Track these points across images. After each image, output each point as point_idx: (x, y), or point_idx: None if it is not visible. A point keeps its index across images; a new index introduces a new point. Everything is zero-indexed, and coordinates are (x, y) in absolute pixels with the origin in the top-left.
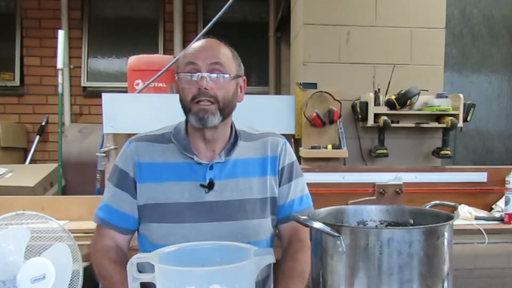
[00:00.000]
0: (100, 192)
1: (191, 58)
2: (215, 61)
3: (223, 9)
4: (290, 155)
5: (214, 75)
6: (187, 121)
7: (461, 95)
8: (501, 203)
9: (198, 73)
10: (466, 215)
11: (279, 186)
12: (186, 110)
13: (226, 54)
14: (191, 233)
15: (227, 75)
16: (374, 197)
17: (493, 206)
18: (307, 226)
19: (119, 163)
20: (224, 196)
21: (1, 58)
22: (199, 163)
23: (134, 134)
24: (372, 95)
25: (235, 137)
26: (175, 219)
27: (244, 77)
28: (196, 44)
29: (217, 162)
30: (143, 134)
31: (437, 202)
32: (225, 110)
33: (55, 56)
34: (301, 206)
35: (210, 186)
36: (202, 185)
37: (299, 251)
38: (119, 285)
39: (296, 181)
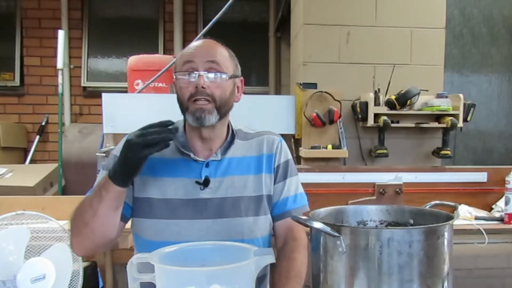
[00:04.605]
0: None
1: (188, 57)
2: (212, 60)
3: (223, 9)
4: (285, 153)
5: (211, 75)
6: (185, 120)
7: (461, 95)
8: (501, 203)
9: (196, 72)
10: (466, 215)
11: (274, 183)
12: (184, 109)
13: (223, 53)
14: (185, 230)
15: (224, 75)
16: (374, 197)
17: (493, 206)
18: (307, 226)
19: (117, 153)
20: (219, 193)
21: (1, 58)
22: (196, 160)
23: None
24: (372, 95)
25: (231, 136)
26: (170, 215)
27: (242, 78)
28: (193, 44)
29: (213, 160)
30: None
31: (437, 202)
32: (222, 109)
33: (55, 56)
34: (295, 204)
35: (206, 183)
36: (197, 182)
37: (294, 251)
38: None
39: (291, 179)
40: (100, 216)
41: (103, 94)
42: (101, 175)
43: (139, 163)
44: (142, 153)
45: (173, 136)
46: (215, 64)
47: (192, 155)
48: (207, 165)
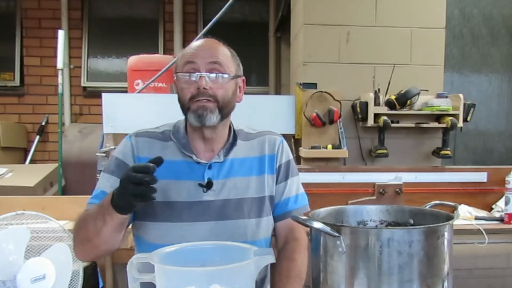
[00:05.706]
0: None
1: (190, 57)
2: (214, 60)
3: (223, 9)
4: (287, 153)
5: (213, 75)
6: (186, 120)
7: (461, 95)
8: (501, 203)
9: (197, 73)
10: (466, 215)
11: (276, 184)
12: (185, 109)
13: (225, 53)
14: (189, 233)
15: (226, 75)
16: (374, 197)
17: (493, 206)
18: (307, 226)
19: (118, 155)
20: (222, 195)
21: (1, 58)
22: (198, 162)
23: None
24: (372, 95)
25: (233, 137)
26: (173, 218)
27: (243, 77)
28: (194, 44)
29: (215, 162)
30: (143, 130)
31: (437, 202)
32: (224, 110)
33: (55, 56)
34: (296, 204)
35: (209, 185)
36: (200, 185)
37: (295, 251)
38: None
39: (292, 180)
40: (104, 236)
41: (103, 94)
42: (102, 178)
43: (136, 205)
44: (135, 202)
45: (155, 195)
46: (217, 65)
47: (194, 157)
48: (209, 167)
